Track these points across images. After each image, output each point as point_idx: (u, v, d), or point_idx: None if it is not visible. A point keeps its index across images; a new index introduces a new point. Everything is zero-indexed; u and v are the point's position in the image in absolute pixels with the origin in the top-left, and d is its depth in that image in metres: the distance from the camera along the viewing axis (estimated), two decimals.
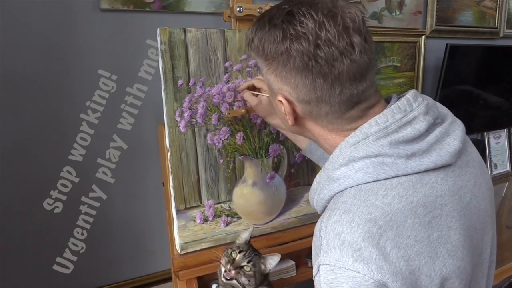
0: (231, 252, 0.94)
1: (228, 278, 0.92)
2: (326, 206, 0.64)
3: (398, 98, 0.64)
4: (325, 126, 0.64)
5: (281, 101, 0.64)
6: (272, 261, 0.95)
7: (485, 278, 0.68)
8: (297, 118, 0.65)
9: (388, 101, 0.66)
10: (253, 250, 0.96)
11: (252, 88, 1.01)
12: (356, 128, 0.62)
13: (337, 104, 0.60)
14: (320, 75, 0.58)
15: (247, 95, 1.00)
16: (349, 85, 0.59)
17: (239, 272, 0.91)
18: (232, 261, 0.92)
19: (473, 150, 0.68)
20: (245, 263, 0.92)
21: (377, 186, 0.58)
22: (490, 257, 0.68)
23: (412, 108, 0.61)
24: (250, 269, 0.92)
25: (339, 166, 0.61)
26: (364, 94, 0.61)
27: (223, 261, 0.94)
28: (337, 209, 0.57)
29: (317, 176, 0.66)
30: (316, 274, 0.57)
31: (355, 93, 0.60)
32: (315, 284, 0.59)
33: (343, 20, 0.57)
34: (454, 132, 0.63)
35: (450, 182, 0.61)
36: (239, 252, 0.93)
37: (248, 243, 0.98)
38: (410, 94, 0.63)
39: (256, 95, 0.98)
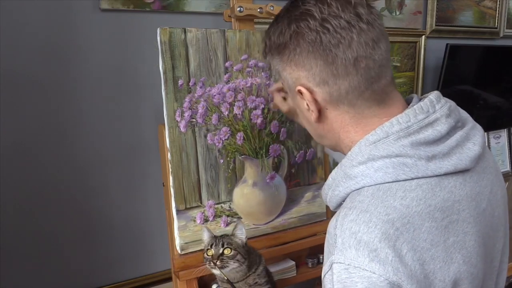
0: (206, 253, 0.94)
1: (219, 267, 0.91)
2: (340, 203, 0.63)
3: (420, 99, 0.64)
4: (347, 112, 0.63)
5: (300, 91, 0.63)
6: (239, 231, 0.95)
7: (494, 285, 0.68)
8: (320, 110, 0.64)
9: (408, 101, 0.66)
10: (220, 237, 0.96)
11: (281, 90, 1.00)
12: (376, 117, 0.62)
13: (355, 77, 0.59)
14: (331, 45, 0.58)
15: (278, 101, 1.00)
16: (362, 52, 0.58)
17: (223, 259, 0.91)
18: (211, 257, 0.92)
19: (490, 156, 0.68)
20: (221, 249, 0.92)
21: (396, 187, 0.57)
22: (500, 265, 0.68)
23: (435, 110, 0.61)
24: (230, 250, 0.92)
25: (357, 164, 0.60)
26: (381, 69, 0.60)
27: (207, 264, 0.94)
28: (354, 208, 0.57)
29: (333, 172, 0.64)
30: (327, 272, 0.56)
31: (371, 64, 0.59)
32: (324, 281, 0.58)
33: None
34: (475, 137, 0.62)
35: (468, 188, 0.60)
36: (211, 247, 0.94)
37: (213, 236, 0.98)
38: (433, 96, 0.63)
39: (285, 99, 0.98)
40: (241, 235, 0.95)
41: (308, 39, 0.59)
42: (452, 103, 0.64)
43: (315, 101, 0.63)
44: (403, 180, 0.57)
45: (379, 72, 0.60)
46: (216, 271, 0.93)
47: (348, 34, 0.58)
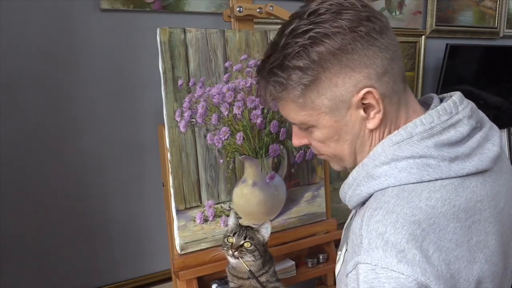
0: (227, 239, 0.95)
1: (235, 258, 0.93)
2: (361, 202, 0.63)
3: (441, 100, 0.65)
4: (395, 103, 0.62)
5: (367, 95, 0.59)
6: (265, 230, 0.97)
7: (508, 282, 0.68)
8: (383, 111, 0.61)
9: (426, 100, 0.68)
10: (244, 227, 0.97)
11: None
12: (405, 106, 0.63)
13: (400, 57, 0.63)
14: (381, 32, 0.59)
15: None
16: (398, 52, 0.62)
17: (242, 250, 0.93)
18: (230, 245, 0.93)
19: (505, 156, 0.69)
20: (242, 241, 0.93)
21: (420, 187, 0.57)
22: None
23: (458, 111, 0.61)
24: (250, 244, 0.93)
25: (380, 164, 0.60)
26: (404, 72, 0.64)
27: (225, 252, 0.95)
28: (380, 209, 0.57)
29: (354, 171, 0.64)
30: (351, 271, 0.57)
31: (401, 65, 0.63)
32: (347, 280, 0.58)
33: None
34: (493, 137, 0.63)
35: (488, 187, 0.61)
36: (233, 235, 0.95)
37: (238, 224, 0.99)
38: (456, 97, 0.64)
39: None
40: (265, 233, 0.97)
41: (362, 29, 0.58)
42: (472, 104, 0.65)
43: (382, 98, 0.61)
44: (427, 181, 0.58)
45: (404, 75, 0.65)
46: (232, 260, 0.94)
47: (385, 20, 0.61)
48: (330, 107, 0.61)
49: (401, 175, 0.58)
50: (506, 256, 0.65)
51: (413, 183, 0.58)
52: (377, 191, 0.60)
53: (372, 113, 0.61)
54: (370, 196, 0.61)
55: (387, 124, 0.63)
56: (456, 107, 0.62)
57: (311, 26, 0.58)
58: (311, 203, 1.21)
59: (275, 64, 0.61)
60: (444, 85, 1.81)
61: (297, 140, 0.71)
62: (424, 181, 0.57)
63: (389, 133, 0.63)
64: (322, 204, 1.23)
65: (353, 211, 0.71)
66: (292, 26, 0.60)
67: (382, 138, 0.63)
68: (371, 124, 0.62)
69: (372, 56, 0.58)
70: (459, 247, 0.55)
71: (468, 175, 0.59)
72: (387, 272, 0.52)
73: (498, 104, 2.09)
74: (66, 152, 1.22)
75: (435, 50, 1.91)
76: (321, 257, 1.24)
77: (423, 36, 1.87)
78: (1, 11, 1.10)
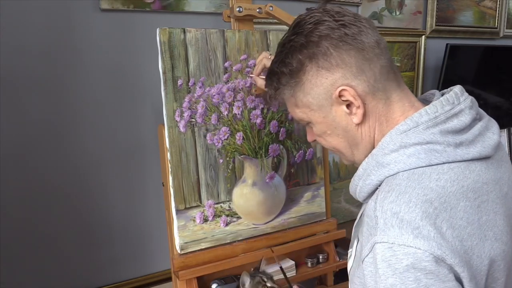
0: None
1: None
2: (371, 192, 0.66)
3: (442, 94, 0.69)
4: (381, 99, 0.67)
5: (343, 92, 0.65)
6: None
7: None
8: (363, 107, 0.67)
9: (427, 97, 0.73)
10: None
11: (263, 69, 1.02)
12: (400, 101, 0.67)
13: (382, 57, 0.66)
14: (355, 34, 0.64)
15: (261, 83, 1.00)
16: (377, 36, 0.66)
17: None
18: None
19: (503, 147, 0.74)
20: None
21: (429, 170, 0.61)
22: None
23: (459, 101, 0.65)
24: None
25: (389, 152, 0.63)
26: (393, 64, 0.68)
27: None
28: (392, 191, 0.60)
29: (363, 163, 0.67)
30: (367, 255, 0.59)
31: (386, 45, 0.67)
32: (364, 266, 0.60)
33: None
34: (493, 127, 0.67)
35: (491, 173, 0.65)
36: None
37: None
38: (457, 89, 0.68)
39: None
40: None
41: (335, 36, 0.64)
42: (472, 97, 0.69)
43: (358, 95, 0.66)
44: (435, 165, 0.61)
45: (394, 67, 0.68)
46: None
47: (361, 24, 0.65)
48: (317, 105, 0.68)
49: (410, 160, 0.61)
50: None
51: (422, 166, 0.61)
52: (387, 177, 0.63)
53: (354, 109, 0.67)
54: (380, 185, 0.64)
55: (376, 119, 0.68)
56: (457, 98, 0.66)
57: (293, 37, 0.67)
58: (311, 203, 1.21)
59: (269, 71, 0.73)
60: (444, 85, 1.80)
61: (309, 136, 0.79)
62: (433, 165, 0.61)
63: (381, 126, 0.68)
64: (322, 204, 1.23)
65: (362, 208, 0.73)
66: (283, 38, 0.70)
67: (374, 132, 0.68)
68: (356, 119, 0.67)
69: (346, 59, 0.64)
70: (470, 225, 0.58)
71: (472, 160, 0.62)
72: (404, 249, 0.55)
73: (498, 104, 2.09)
74: (65, 152, 1.22)
75: (435, 50, 1.92)
76: (320, 257, 1.24)
77: (423, 36, 1.87)
78: (1, 11, 1.10)
